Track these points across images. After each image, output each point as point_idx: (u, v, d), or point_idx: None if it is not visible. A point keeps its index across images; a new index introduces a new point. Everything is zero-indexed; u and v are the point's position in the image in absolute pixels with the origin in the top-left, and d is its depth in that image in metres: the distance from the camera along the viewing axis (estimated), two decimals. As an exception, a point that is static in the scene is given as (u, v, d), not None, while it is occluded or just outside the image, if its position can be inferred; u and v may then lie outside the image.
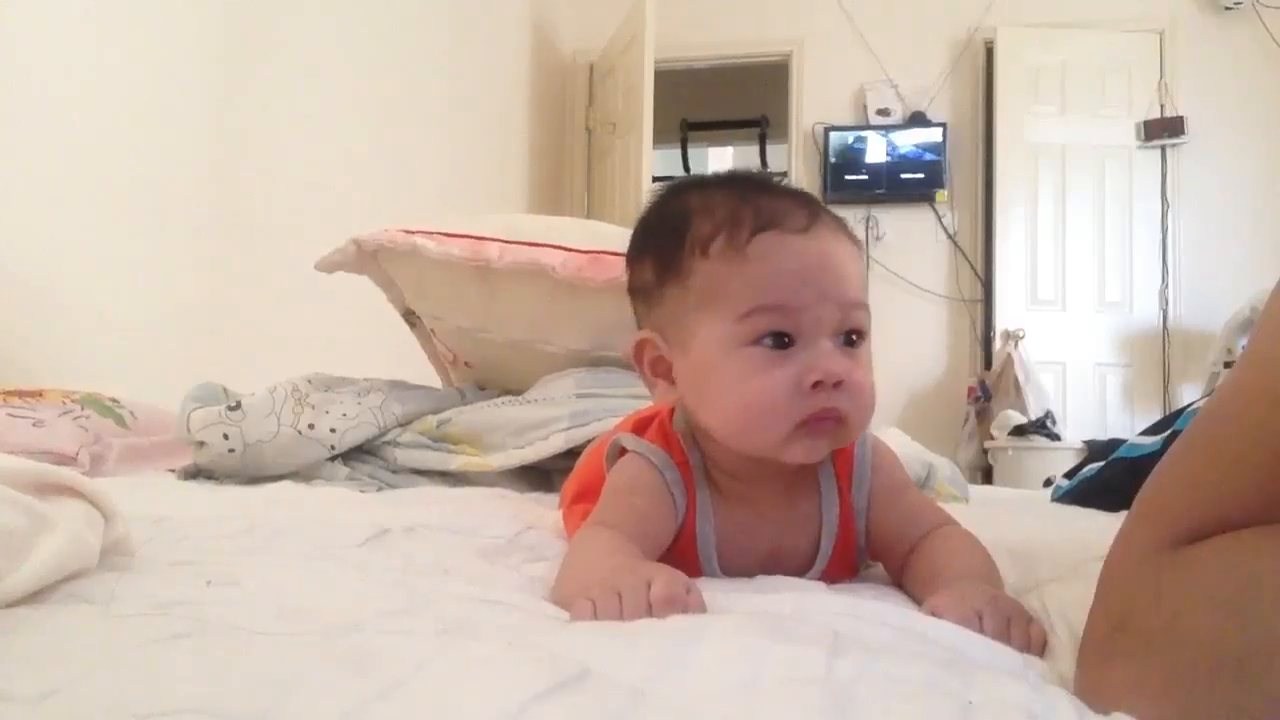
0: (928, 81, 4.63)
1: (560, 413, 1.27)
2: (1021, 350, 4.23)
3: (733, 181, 0.64)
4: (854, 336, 0.60)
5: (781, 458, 0.59)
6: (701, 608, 0.47)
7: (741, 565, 0.63)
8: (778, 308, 0.58)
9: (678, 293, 0.62)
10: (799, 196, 0.62)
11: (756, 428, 0.59)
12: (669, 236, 0.62)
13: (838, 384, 0.57)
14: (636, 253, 0.66)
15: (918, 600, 0.57)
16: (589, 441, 1.16)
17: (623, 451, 0.67)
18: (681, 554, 0.63)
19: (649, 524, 0.62)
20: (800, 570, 0.64)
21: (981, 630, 0.47)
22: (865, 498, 0.65)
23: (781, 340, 0.58)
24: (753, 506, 0.64)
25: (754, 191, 0.62)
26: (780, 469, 0.62)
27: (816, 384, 0.57)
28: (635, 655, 0.36)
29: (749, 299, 0.58)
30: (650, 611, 0.45)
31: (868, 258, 4.54)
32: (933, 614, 0.49)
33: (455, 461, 1.28)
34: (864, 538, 0.66)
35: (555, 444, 1.24)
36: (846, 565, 0.66)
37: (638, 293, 0.66)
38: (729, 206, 0.61)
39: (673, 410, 0.68)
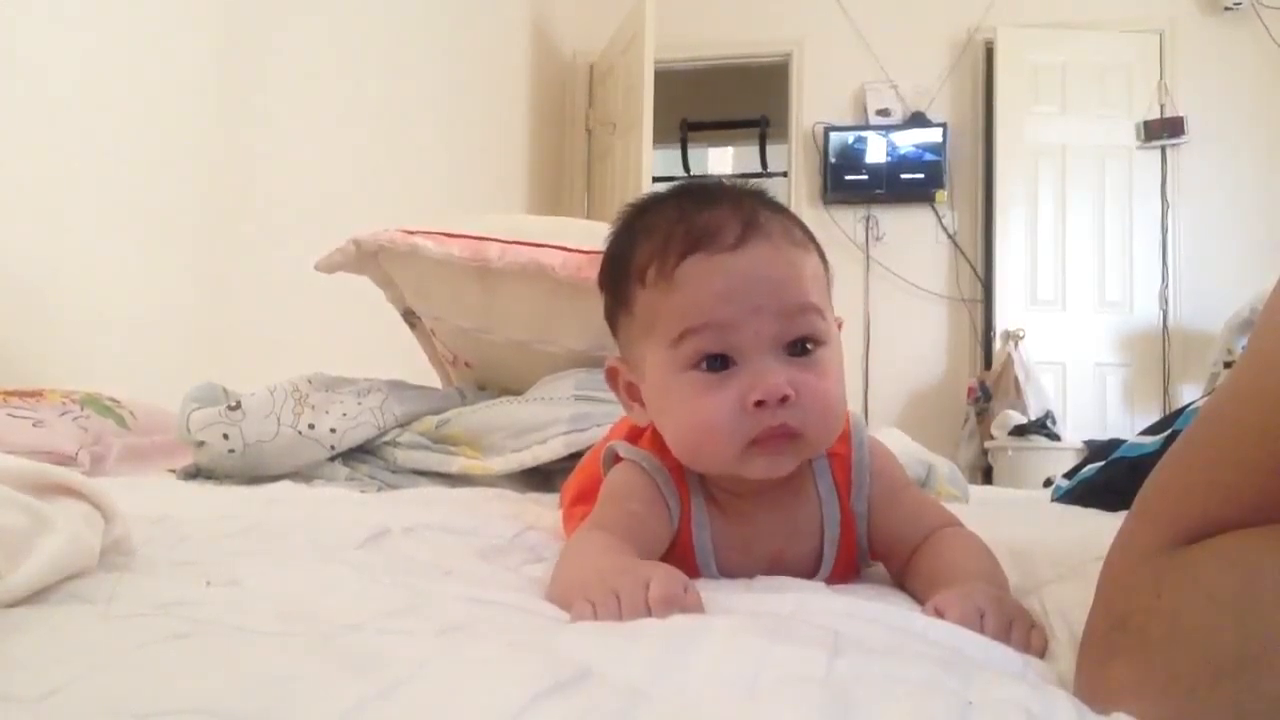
0: (928, 81, 4.63)
1: (560, 415, 1.27)
2: (1021, 350, 4.23)
3: (679, 196, 0.64)
4: (807, 345, 0.59)
5: (744, 475, 0.59)
6: (699, 607, 0.47)
7: (740, 570, 0.63)
8: (705, 328, 0.58)
9: (627, 321, 0.64)
10: (739, 206, 0.61)
11: (705, 450, 0.59)
12: (617, 266, 0.64)
13: (783, 399, 0.56)
14: (601, 280, 0.68)
15: (920, 600, 0.57)
16: (589, 445, 1.17)
17: (618, 458, 0.67)
18: (679, 560, 0.62)
19: (644, 528, 0.62)
20: (804, 577, 0.63)
21: (983, 630, 0.47)
22: (865, 502, 0.65)
23: (720, 362, 0.58)
24: (747, 514, 0.64)
25: (692, 207, 0.61)
26: (769, 480, 0.61)
27: (759, 403, 0.56)
28: (635, 655, 0.36)
29: (676, 323, 0.58)
30: (649, 611, 0.45)
31: (868, 258, 4.55)
32: (935, 612, 0.49)
33: (455, 464, 1.28)
34: (865, 540, 0.66)
35: (554, 448, 1.24)
36: (849, 569, 0.66)
37: (606, 317, 0.68)
38: (663, 230, 0.61)
39: None
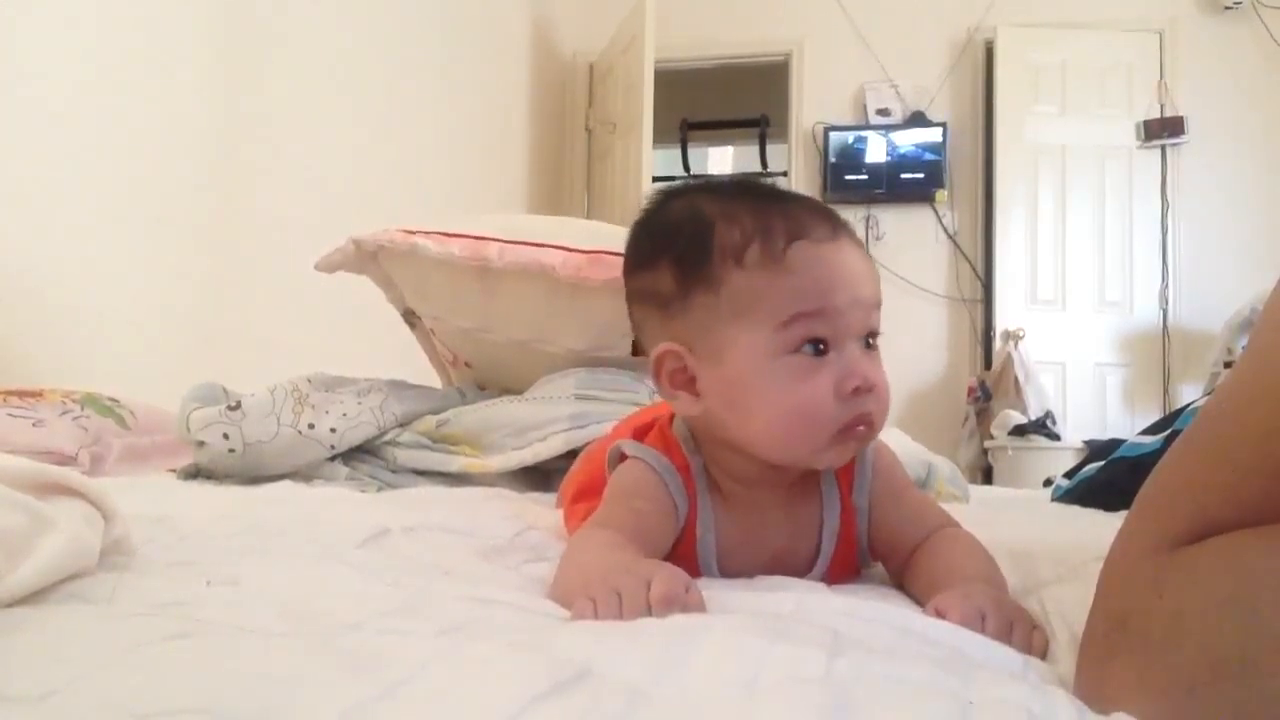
0: (928, 81, 4.63)
1: (559, 413, 1.27)
2: (1021, 350, 4.23)
3: (744, 188, 0.64)
4: (871, 339, 0.61)
5: (815, 464, 0.61)
6: (701, 606, 0.47)
7: (742, 569, 0.63)
8: (818, 314, 0.58)
9: (709, 302, 0.60)
10: (814, 205, 0.63)
11: (801, 435, 0.59)
12: (691, 244, 0.61)
13: (871, 389, 0.58)
14: (645, 259, 0.64)
15: (920, 601, 0.58)
16: (588, 442, 1.17)
17: (623, 457, 0.67)
18: (681, 558, 0.62)
19: (649, 527, 0.61)
20: (801, 573, 0.64)
21: (984, 631, 0.47)
22: (866, 498, 0.65)
23: (819, 347, 0.59)
24: (756, 511, 0.64)
25: (771, 200, 0.62)
26: (785, 474, 0.62)
27: (855, 389, 0.58)
28: (635, 655, 0.36)
29: (791, 306, 0.58)
30: (650, 611, 0.45)
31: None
32: (936, 613, 0.49)
33: (455, 464, 1.28)
34: (865, 538, 0.66)
35: (554, 445, 1.24)
36: (848, 567, 0.66)
37: (648, 300, 0.64)
38: (754, 214, 0.60)
39: (672, 415, 0.68)
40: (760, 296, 0.59)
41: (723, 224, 0.60)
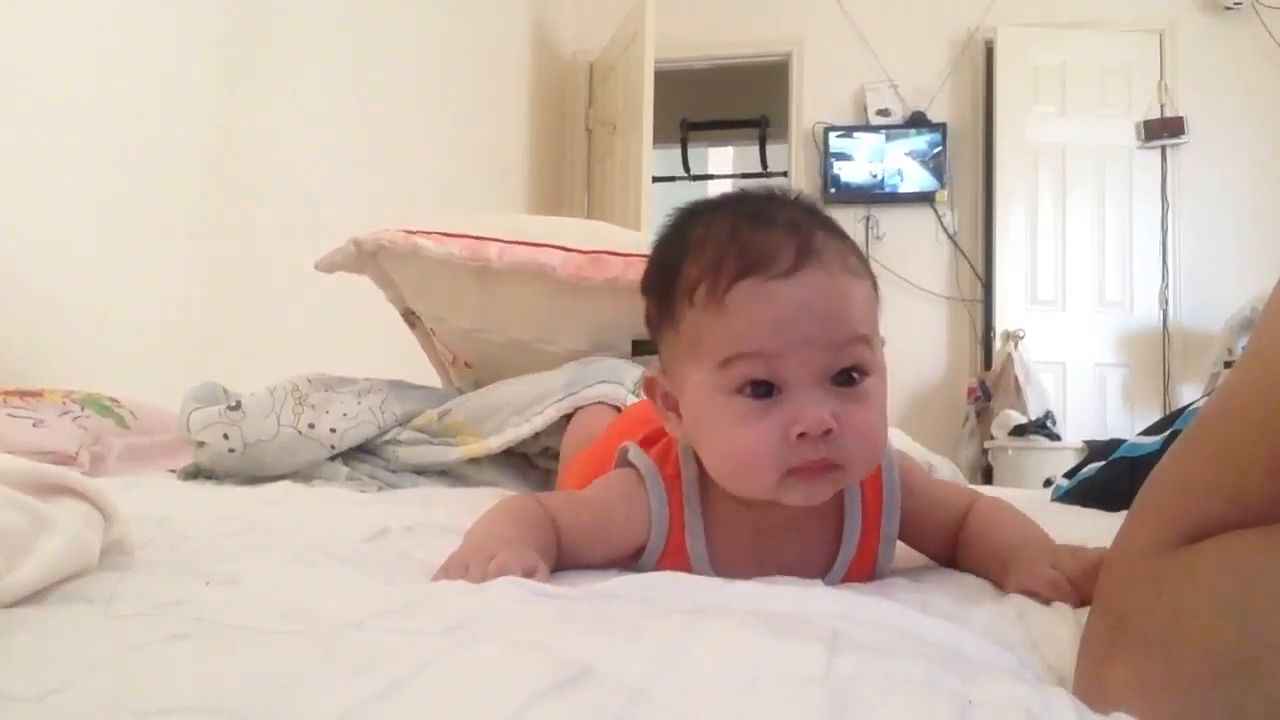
0: (928, 81, 4.63)
1: (555, 384, 1.28)
2: (1021, 350, 4.23)
3: (735, 206, 0.62)
4: (854, 374, 0.58)
5: (781, 501, 0.59)
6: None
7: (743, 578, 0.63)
8: (754, 355, 0.57)
9: (671, 337, 0.62)
10: (795, 229, 0.59)
11: (743, 476, 0.59)
12: (665, 279, 0.62)
13: (826, 433, 0.56)
14: (645, 289, 0.66)
15: (982, 575, 0.64)
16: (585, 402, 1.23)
17: (626, 463, 0.68)
18: (675, 567, 0.63)
19: (608, 524, 0.64)
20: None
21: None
22: (896, 523, 0.66)
23: (765, 389, 0.57)
24: (761, 529, 0.64)
25: (748, 224, 0.59)
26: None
27: (801, 435, 0.56)
28: (635, 654, 0.36)
29: (725, 348, 0.57)
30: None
31: (867, 257, 4.53)
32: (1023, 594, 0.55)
33: (455, 452, 1.28)
34: (889, 561, 0.67)
35: (549, 416, 1.25)
36: (860, 579, 0.66)
37: (648, 326, 0.66)
38: (717, 247, 0.59)
39: None
40: (703, 336, 0.59)
41: (690, 259, 0.60)
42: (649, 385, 0.66)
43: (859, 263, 0.61)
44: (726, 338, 0.57)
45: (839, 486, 0.60)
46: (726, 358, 0.57)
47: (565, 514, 0.64)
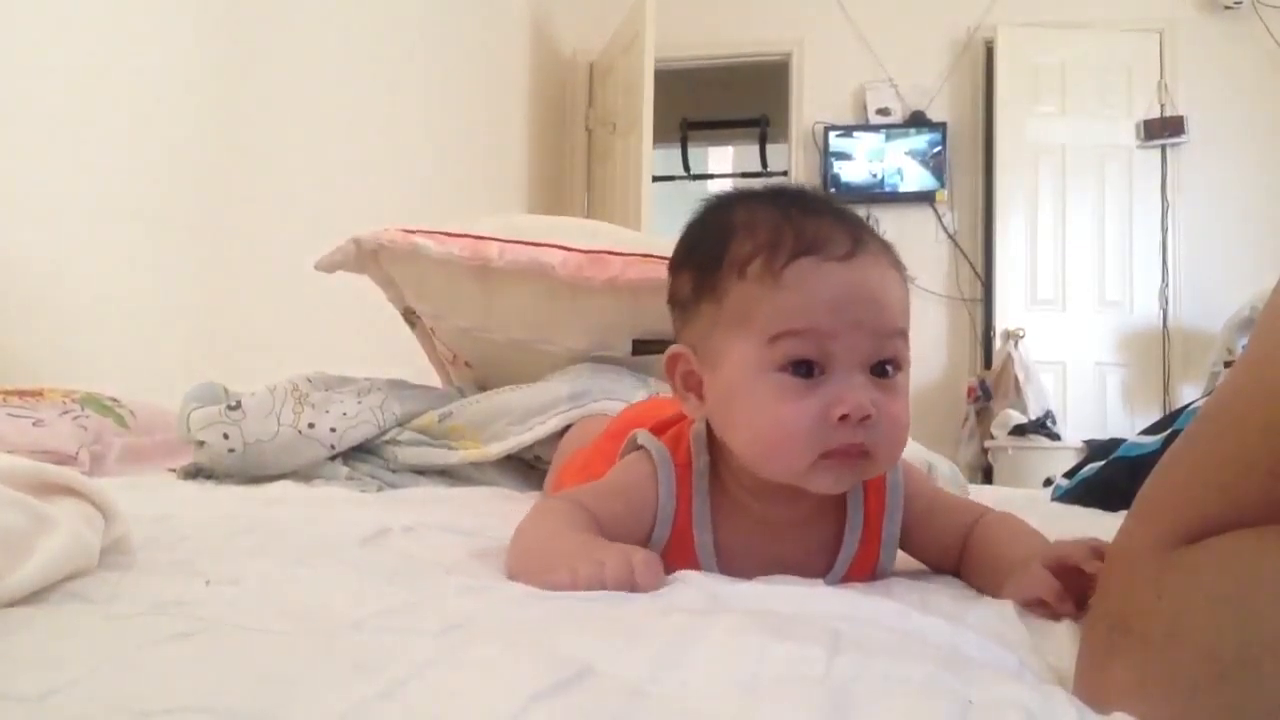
0: (928, 81, 4.63)
1: (560, 393, 1.27)
2: (1021, 350, 4.23)
3: (780, 197, 0.63)
4: (888, 367, 0.59)
5: (805, 486, 0.59)
6: (653, 587, 0.52)
7: (744, 575, 0.63)
8: (806, 333, 0.57)
9: (711, 310, 0.61)
10: (845, 219, 0.61)
11: (778, 455, 0.59)
12: (710, 253, 0.62)
13: (865, 418, 0.56)
14: (679, 264, 0.66)
15: (985, 590, 0.62)
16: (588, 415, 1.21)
17: (638, 447, 0.68)
18: (679, 556, 0.63)
19: (624, 514, 0.64)
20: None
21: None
22: (898, 525, 0.66)
23: (807, 369, 0.57)
24: (768, 524, 0.64)
25: (799, 211, 0.60)
26: (803, 492, 0.61)
27: (843, 417, 0.56)
28: (635, 654, 0.36)
29: (777, 323, 0.57)
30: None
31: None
32: (1025, 603, 0.54)
33: (455, 455, 1.28)
34: (890, 563, 0.67)
35: (553, 425, 1.25)
36: (861, 579, 0.66)
37: (675, 304, 0.66)
38: (771, 226, 0.59)
39: None
40: (753, 309, 0.59)
41: (741, 234, 0.60)
42: (670, 362, 0.65)
43: (899, 260, 0.63)
44: (779, 313, 0.57)
45: (865, 476, 0.61)
46: (776, 333, 0.57)
47: (598, 507, 0.63)
